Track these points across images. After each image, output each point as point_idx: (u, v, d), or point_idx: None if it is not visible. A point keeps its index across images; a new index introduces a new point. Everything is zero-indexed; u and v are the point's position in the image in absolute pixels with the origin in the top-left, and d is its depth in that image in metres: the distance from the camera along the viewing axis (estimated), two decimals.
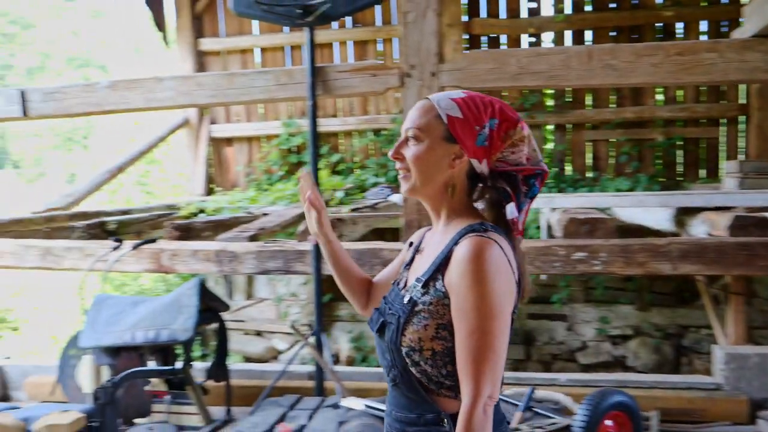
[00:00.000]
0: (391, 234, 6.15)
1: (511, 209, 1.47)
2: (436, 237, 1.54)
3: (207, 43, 8.24)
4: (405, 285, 1.56)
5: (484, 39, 7.76)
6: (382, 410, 3.12)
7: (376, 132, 8.03)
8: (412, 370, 1.45)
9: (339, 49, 8.18)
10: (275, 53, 8.23)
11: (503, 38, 7.73)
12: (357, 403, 3.23)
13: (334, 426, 3.06)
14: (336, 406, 3.42)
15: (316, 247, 4.08)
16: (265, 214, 5.60)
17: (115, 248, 4.15)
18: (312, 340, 4.14)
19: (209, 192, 8.23)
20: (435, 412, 1.45)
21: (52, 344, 8.70)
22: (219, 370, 4.21)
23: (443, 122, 1.48)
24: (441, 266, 1.44)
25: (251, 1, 4.02)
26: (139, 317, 3.93)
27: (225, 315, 4.30)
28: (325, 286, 7.64)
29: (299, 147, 8.11)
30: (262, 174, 8.23)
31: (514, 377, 4.27)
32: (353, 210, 5.48)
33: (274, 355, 7.72)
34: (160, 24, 8.24)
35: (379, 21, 7.99)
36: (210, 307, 4.19)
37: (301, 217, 5.03)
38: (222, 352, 4.28)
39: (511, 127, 1.49)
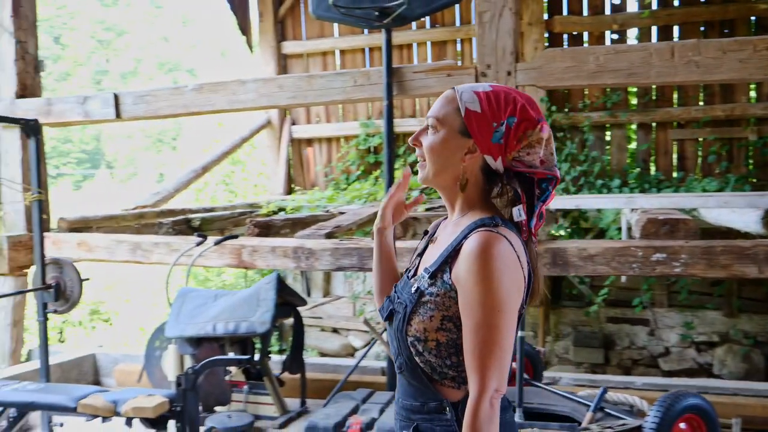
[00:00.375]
0: None
1: (518, 211, 1.46)
2: (449, 228, 1.53)
3: (289, 46, 8.45)
4: (415, 274, 1.55)
5: (565, 37, 7.63)
6: None
7: None
8: (417, 359, 1.46)
9: (418, 50, 8.23)
10: (355, 55, 8.36)
11: (585, 36, 7.59)
12: None
13: None
14: None
15: None
16: (341, 213, 5.71)
17: (199, 244, 4.33)
18: (385, 336, 4.20)
19: (289, 191, 8.44)
20: (438, 400, 1.46)
21: (141, 335, 9.12)
22: (295, 363, 4.33)
23: (461, 115, 1.47)
24: (449, 258, 1.43)
25: (329, 4, 4.11)
26: (219, 310, 4.09)
27: (302, 310, 4.41)
28: None
29: (377, 147, 8.20)
30: (340, 174, 8.37)
31: (588, 379, 4.20)
32: (428, 209, 5.51)
33: (350, 352, 7.85)
34: (244, 29, 8.51)
35: (458, 21, 7.99)
36: (287, 301, 4.32)
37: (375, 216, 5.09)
38: (298, 345, 4.40)
39: (530, 127, 1.45)
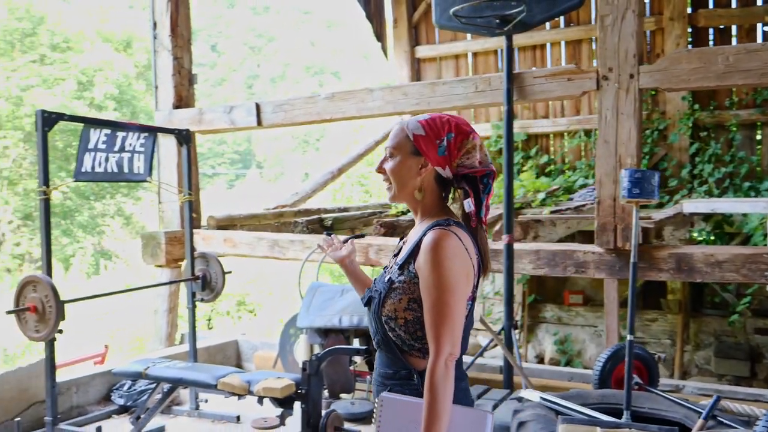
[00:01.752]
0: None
1: (467, 204, 1.81)
2: (414, 230, 1.88)
3: (422, 51, 8.69)
4: (391, 268, 1.89)
5: (710, 32, 7.31)
6: (557, 403, 3.22)
7: (588, 133, 7.91)
8: (390, 335, 1.80)
9: (551, 50, 8.19)
10: (487, 57, 8.46)
11: (733, 29, 7.22)
12: (533, 395, 3.35)
13: (511, 415, 3.22)
14: (520, 399, 3.56)
15: (509, 246, 4.23)
16: None
17: None
18: (502, 336, 4.30)
19: None
20: (407, 369, 1.80)
21: (281, 325, 9.73)
22: None
23: (410, 140, 1.82)
24: (413, 253, 1.78)
25: (451, 14, 4.28)
26: (345, 304, 4.38)
27: None
28: (530, 287, 7.79)
29: None
30: None
31: (714, 389, 4.08)
32: (553, 212, 5.52)
33: (477, 351, 7.95)
34: (379, 35, 8.85)
35: (593, 19, 7.85)
36: None
37: (499, 218, 5.19)
38: None
39: (465, 138, 1.82)
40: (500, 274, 4.36)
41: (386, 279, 1.84)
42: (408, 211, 6.55)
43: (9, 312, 3.49)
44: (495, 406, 3.71)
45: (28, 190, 17.62)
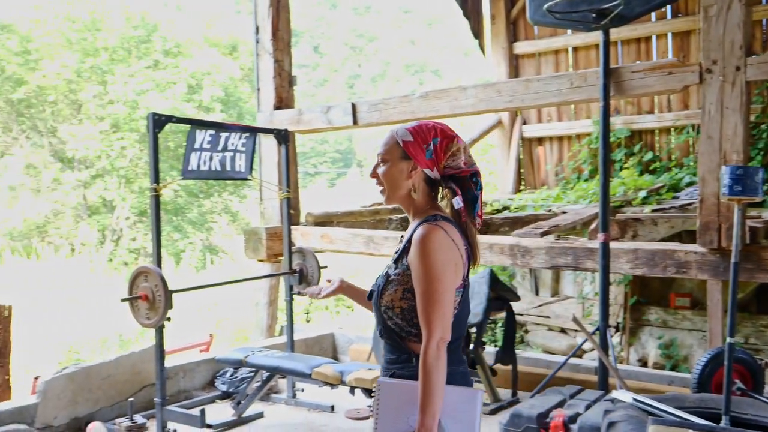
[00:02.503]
0: None
1: (456, 201, 1.99)
2: (409, 228, 2.05)
3: (521, 47, 8.59)
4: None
5: None
6: (649, 404, 3.13)
7: (696, 128, 7.57)
8: (389, 323, 1.98)
9: (657, 43, 7.88)
10: (588, 51, 8.25)
11: None
12: (626, 396, 3.28)
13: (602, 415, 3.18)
14: (612, 400, 3.50)
15: (604, 245, 4.15)
16: (563, 212, 5.75)
17: None
18: (596, 337, 4.22)
19: (519, 190, 8.58)
20: (407, 353, 1.97)
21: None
22: (506, 355, 4.52)
23: (400, 146, 2.01)
24: (406, 248, 1.97)
25: (545, 10, 4.23)
26: None
27: (528, 308, 4.59)
28: (632, 288, 7.55)
29: (611, 145, 8.01)
30: (571, 173, 8.32)
31: None
32: (654, 210, 5.35)
33: (578, 353, 7.79)
34: (477, 32, 8.82)
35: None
36: (500, 296, 4.52)
37: (594, 216, 5.08)
38: (510, 338, 4.59)
39: (450, 142, 2.01)
40: (584, 272, 4.28)
41: (384, 273, 2.04)
42: (507, 207, 6.52)
43: (123, 300, 3.76)
44: (588, 407, 3.65)
45: (143, 188, 18.69)
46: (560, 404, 3.81)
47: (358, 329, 7.85)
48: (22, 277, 13.37)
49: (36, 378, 4.46)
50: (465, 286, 2.00)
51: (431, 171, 2.01)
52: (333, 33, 37.64)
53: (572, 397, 3.98)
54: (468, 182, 2.01)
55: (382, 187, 2.05)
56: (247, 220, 20.58)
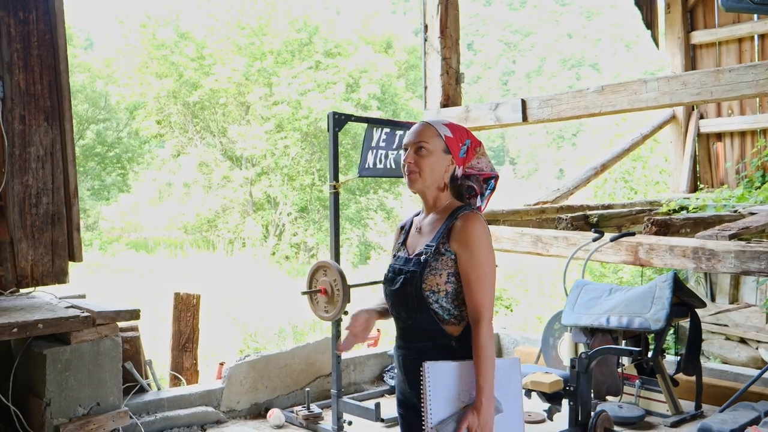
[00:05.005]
0: None
1: (478, 199, 2.23)
2: (429, 219, 2.23)
3: (699, 36, 8.04)
4: (412, 252, 2.21)
5: None
6: None
7: None
8: (433, 306, 2.11)
9: None
10: None
11: None
12: None
13: None
14: None
15: None
16: (752, 214, 5.31)
17: (596, 239, 4.53)
18: None
19: (694, 189, 8.04)
20: (445, 337, 2.12)
21: (537, 323, 9.66)
22: (690, 365, 4.25)
23: (442, 139, 2.17)
24: (445, 234, 2.12)
25: None
26: (613, 303, 4.24)
27: (705, 316, 4.30)
28: None
29: None
30: (755, 170, 7.67)
31: None
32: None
33: (759, 365, 7.18)
34: (650, 23, 8.36)
35: None
36: (684, 301, 4.26)
37: None
38: (694, 347, 4.30)
39: (478, 145, 2.25)
40: None
41: (421, 259, 2.13)
42: (685, 207, 6.14)
43: (304, 293, 3.92)
44: None
45: (304, 186, 19.55)
46: (755, 421, 3.52)
47: (522, 329, 7.72)
48: (201, 269, 14.44)
49: (221, 364, 4.76)
50: None
51: (458, 168, 2.20)
52: (487, 29, 37.34)
53: (767, 414, 3.67)
54: (481, 183, 2.24)
55: (415, 174, 2.16)
56: (402, 218, 20.91)
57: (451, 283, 2.11)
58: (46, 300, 3.71)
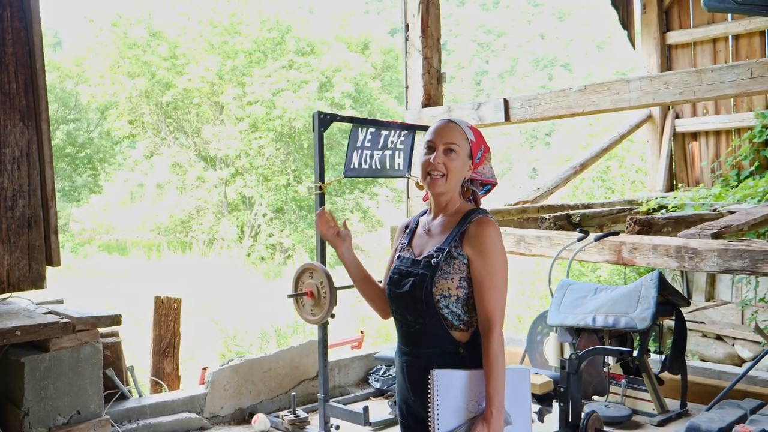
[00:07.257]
0: None
1: (480, 203, 2.21)
2: (439, 220, 2.17)
3: (674, 36, 8.12)
4: (419, 254, 2.14)
5: None
6: None
7: None
8: (443, 311, 2.05)
9: None
10: (751, 39, 7.66)
11: None
12: None
13: None
14: None
15: None
16: (731, 212, 5.36)
17: (580, 239, 4.53)
18: None
19: (670, 188, 8.12)
20: (452, 343, 2.06)
21: (517, 323, 9.68)
22: (675, 363, 4.27)
23: (468, 143, 2.13)
24: (458, 238, 2.07)
25: None
26: (599, 303, 4.24)
27: (683, 312, 4.33)
28: None
29: None
30: (730, 169, 7.77)
31: None
32: None
33: (735, 362, 7.27)
34: (626, 22, 8.42)
35: None
36: (669, 300, 4.27)
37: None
38: (680, 345, 4.32)
39: (488, 151, 2.22)
40: (765, 278, 3.94)
41: (432, 262, 2.06)
42: (664, 206, 6.18)
43: (290, 295, 3.85)
44: None
45: (279, 186, 19.39)
46: (742, 419, 3.54)
47: (505, 330, 7.71)
48: (176, 271, 14.24)
49: (204, 368, 4.68)
50: None
51: (469, 171, 2.16)
52: (460, 30, 37.45)
53: (753, 412, 3.70)
54: (479, 187, 2.22)
55: (441, 175, 2.09)
56: (378, 218, 20.86)
57: (462, 287, 2.04)
58: (23, 306, 3.61)
